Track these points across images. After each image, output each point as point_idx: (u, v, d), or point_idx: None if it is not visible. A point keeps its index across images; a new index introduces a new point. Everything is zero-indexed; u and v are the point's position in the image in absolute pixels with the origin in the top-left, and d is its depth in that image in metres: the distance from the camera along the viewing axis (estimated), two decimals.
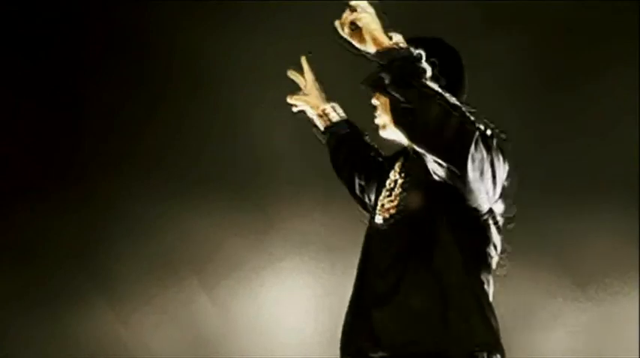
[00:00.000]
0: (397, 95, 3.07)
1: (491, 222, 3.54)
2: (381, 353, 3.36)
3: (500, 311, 8.84)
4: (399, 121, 3.13)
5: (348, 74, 8.64)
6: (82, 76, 9.19)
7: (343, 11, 6.62)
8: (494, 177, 3.40)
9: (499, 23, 9.22)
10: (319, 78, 6.32)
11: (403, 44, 3.19)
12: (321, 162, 7.09)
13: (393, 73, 3.13)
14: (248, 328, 8.80)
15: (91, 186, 9.01)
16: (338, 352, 6.52)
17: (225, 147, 9.13)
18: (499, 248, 3.77)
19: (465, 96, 3.70)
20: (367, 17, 3.28)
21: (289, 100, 4.23)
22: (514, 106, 9.10)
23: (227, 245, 8.95)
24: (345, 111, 5.86)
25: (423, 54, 3.21)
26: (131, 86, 9.23)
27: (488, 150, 3.24)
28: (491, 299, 3.66)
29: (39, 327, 8.70)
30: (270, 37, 9.16)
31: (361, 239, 5.06)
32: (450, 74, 3.51)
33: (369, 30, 3.29)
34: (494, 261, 3.74)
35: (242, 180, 9.04)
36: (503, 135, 3.61)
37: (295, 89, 6.17)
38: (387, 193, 3.57)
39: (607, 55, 9.11)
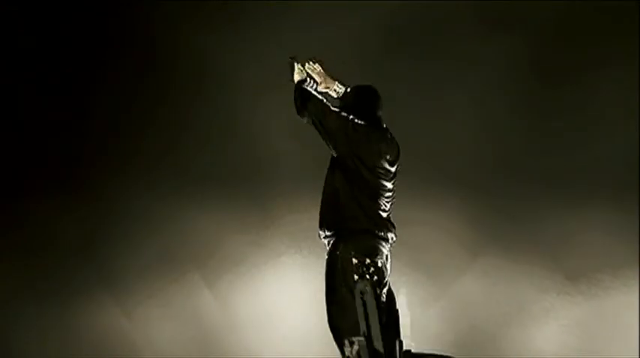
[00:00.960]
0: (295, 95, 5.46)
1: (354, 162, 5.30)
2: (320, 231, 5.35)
3: (495, 306, 8.66)
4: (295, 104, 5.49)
5: (349, 74, 8.76)
6: (86, 78, 9.21)
7: (339, 16, 8.59)
8: (324, 132, 5.32)
9: (494, 23, 9.25)
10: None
11: (297, 80, 5.54)
12: (318, 161, 7.15)
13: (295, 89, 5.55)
14: (249, 321, 8.81)
15: (97, 185, 9.04)
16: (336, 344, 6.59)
17: (226, 146, 9.16)
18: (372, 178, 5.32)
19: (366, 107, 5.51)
20: (295, 75, 5.61)
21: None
22: (508, 105, 9.19)
23: (228, 241, 8.98)
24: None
25: (299, 83, 5.50)
26: (135, 87, 9.25)
27: (310, 115, 5.32)
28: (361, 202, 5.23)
29: (46, 319, 8.71)
30: (271, 40, 9.18)
31: None
32: (345, 97, 5.63)
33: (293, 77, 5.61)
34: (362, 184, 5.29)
35: (243, 178, 9.07)
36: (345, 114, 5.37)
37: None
38: None
39: (599, 55, 9.13)
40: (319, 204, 5.63)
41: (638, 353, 8.53)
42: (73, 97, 9.19)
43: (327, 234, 5.15)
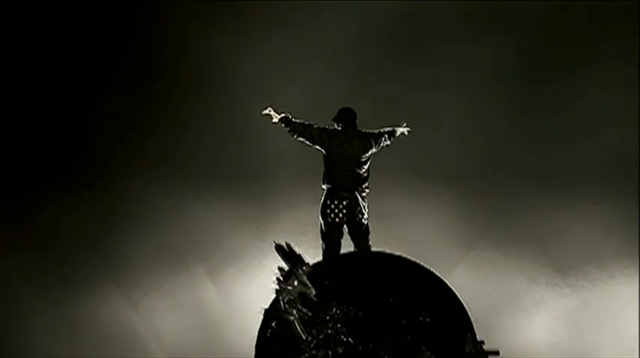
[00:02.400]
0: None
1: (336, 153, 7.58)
2: None
3: (487, 297, 8.86)
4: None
5: (349, 75, 9.05)
6: (97, 80, 9.28)
7: (340, 21, 8.99)
8: (310, 141, 7.47)
9: (485, 24, 9.37)
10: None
11: (279, 118, 7.58)
12: (316, 160, 7.77)
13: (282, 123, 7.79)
14: (251, 312, 8.32)
15: (105, 181, 9.10)
16: None
17: (229, 145, 9.23)
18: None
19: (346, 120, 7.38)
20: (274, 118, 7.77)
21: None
22: (500, 105, 9.28)
23: (231, 235, 9.05)
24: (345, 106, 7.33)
25: (283, 119, 7.48)
26: (142, 89, 9.31)
27: (296, 133, 7.45)
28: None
29: (54, 310, 8.80)
30: (274, 42, 9.27)
31: None
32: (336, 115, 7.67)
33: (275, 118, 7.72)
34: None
35: (245, 174, 9.15)
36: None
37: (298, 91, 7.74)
38: None
39: (587, 55, 9.23)
40: (316, 200, 7.19)
41: (638, 351, 8.65)
42: (83, 98, 9.25)
43: (323, 187, 7.11)
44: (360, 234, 7.00)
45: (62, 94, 9.25)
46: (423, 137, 8.92)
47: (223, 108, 9.36)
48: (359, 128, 7.13)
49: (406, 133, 7.29)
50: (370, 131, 7.12)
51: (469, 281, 8.99)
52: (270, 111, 7.18)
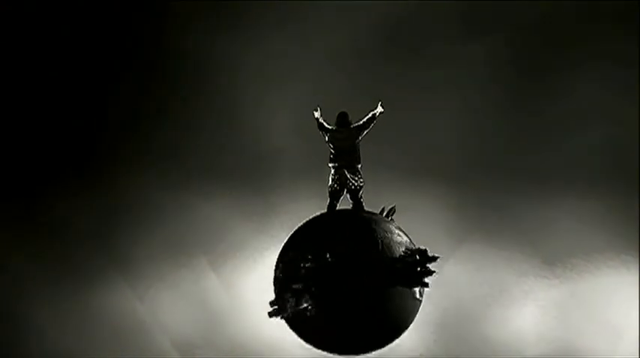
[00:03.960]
0: None
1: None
2: None
3: (478, 288, 8.87)
4: None
5: (350, 76, 9.27)
6: (102, 78, 9.38)
7: (342, 16, 9.23)
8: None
9: (476, 25, 9.47)
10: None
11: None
12: (316, 154, 8.10)
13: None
14: (252, 302, 8.81)
15: (112, 176, 9.18)
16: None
17: (231, 141, 9.28)
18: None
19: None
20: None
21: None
22: (491, 103, 9.32)
23: (233, 228, 9.10)
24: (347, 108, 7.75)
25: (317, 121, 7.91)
26: (146, 87, 9.39)
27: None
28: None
29: (62, 301, 8.89)
30: (274, 41, 9.36)
31: None
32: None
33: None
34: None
35: (246, 170, 9.22)
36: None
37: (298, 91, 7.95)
38: None
39: (574, 56, 9.31)
40: (314, 196, 7.55)
41: (638, 350, 8.67)
42: (89, 97, 9.33)
43: (330, 165, 7.89)
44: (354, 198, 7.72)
45: (71, 94, 9.33)
46: (418, 135, 9.21)
47: (227, 108, 9.40)
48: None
49: (377, 114, 7.77)
50: (355, 124, 7.78)
51: (461, 272, 8.99)
52: (319, 114, 7.82)
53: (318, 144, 7.90)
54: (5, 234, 9.10)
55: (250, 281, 8.98)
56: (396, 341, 7.38)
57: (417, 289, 7.30)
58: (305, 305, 7.12)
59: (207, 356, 8.89)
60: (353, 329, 7.06)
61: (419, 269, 7.25)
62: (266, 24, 9.45)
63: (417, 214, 9.01)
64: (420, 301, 7.40)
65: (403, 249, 7.43)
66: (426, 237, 8.73)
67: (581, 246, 8.99)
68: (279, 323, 8.49)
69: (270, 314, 7.47)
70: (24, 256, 9.00)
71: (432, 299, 8.73)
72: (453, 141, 9.32)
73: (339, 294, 7.00)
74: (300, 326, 7.23)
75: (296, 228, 7.70)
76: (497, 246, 9.05)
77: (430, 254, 7.39)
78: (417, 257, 7.37)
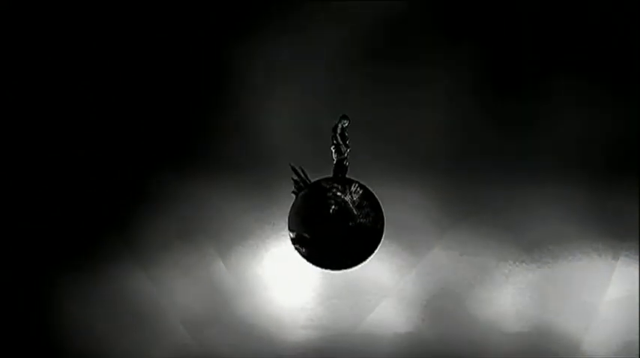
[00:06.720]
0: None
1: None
2: None
3: (461, 272, 9.06)
4: None
5: (352, 77, 9.34)
6: (125, 80, 9.57)
7: (344, 19, 9.20)
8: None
9: (458, 32, 9.71)
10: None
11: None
12: (314, 148, 8.55)
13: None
14: (255, 286, 9.01)
15: (127, 169, 9.34)
16: (332, 305, 7.51)
17: (237, 136, 9.43)
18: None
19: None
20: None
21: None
22: (476, 100, 9.53)
23: (238, 218, 9.20)
24: (354, 111, 8.28)
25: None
26: (163, 91, 9.58)
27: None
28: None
29: (82, 285, 8.98)
30: (279, 45, 9.55)
31: None
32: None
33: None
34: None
35: (250, 163, 9.35)
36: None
37: (297, 94, 8.25)
38: None
39: (554, 58, 9.60)
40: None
41: (638, 351, 8.72)
42: (111, 97, 9.49)
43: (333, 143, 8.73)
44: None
45: (96, 94, 9.52)
46: (407, 130, 9.38)
47: (233, 106, 9.56)
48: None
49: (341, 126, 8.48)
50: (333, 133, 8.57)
51: (446, 258, 9.08)
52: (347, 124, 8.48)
53: (316, 143, 8.46)
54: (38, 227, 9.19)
55: (254, 265, 9.10)
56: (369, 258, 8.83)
57: (355, 213, 8.87)
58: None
59: (214, 332, 8.91)
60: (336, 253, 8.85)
61: (339, 176, 8.84)
62: (273, 31, 9.63)
63: (406, 205, 9.22)
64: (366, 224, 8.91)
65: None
66: (414, 226, 9.18)
67: (557, 233, 9.14)
68: (280, 304, 8.93)
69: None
70: (48, 246, 9.11)
71: (420, 282, 9.04)
72: (440, 136, 9.45)
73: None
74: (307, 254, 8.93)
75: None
76: (479, 234, 9.13)
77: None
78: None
